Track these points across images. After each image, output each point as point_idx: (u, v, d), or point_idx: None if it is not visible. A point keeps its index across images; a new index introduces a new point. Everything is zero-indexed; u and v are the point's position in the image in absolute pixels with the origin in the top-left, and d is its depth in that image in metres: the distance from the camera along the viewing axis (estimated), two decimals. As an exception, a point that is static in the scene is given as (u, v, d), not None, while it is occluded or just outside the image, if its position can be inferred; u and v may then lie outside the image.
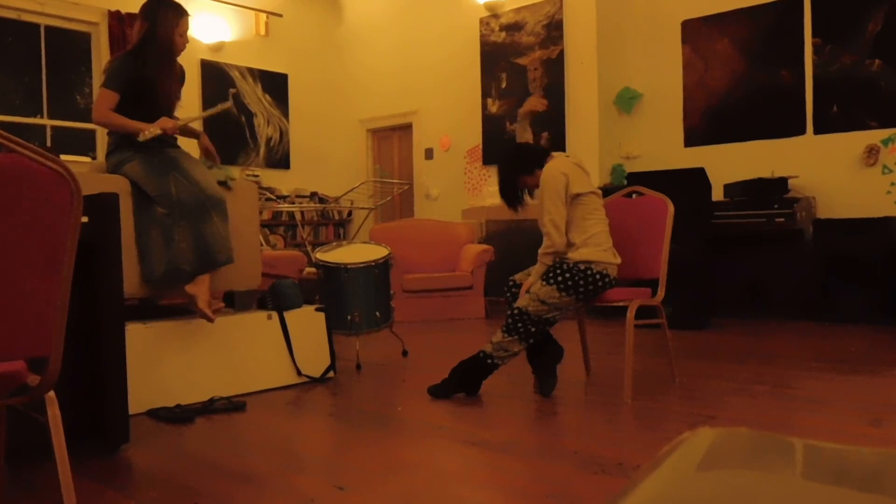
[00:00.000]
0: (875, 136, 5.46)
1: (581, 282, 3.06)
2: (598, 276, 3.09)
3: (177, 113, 3.48)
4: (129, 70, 3.18)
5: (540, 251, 3.14)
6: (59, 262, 1.54)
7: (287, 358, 3.52)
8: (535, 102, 7.12)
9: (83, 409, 2.51)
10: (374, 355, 4.34)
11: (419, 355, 4.31)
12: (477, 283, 6.21)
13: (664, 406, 2.94)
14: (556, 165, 3.18)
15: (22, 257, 1.49)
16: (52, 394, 1.60)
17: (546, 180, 3.14)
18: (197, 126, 3.67)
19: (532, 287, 3.10)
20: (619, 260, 3.17)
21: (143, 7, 3.29)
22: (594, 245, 3.10)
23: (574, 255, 3.09)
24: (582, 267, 3.07)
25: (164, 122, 3.16)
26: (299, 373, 3.55)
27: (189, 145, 3.49)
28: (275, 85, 8.40)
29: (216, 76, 7.82)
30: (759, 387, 3.20)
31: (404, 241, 6.54)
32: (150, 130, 3.13)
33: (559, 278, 3.05)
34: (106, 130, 3.35)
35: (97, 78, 6.93)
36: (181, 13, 3.30)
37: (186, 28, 3.33)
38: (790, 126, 5.82)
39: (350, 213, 8.84)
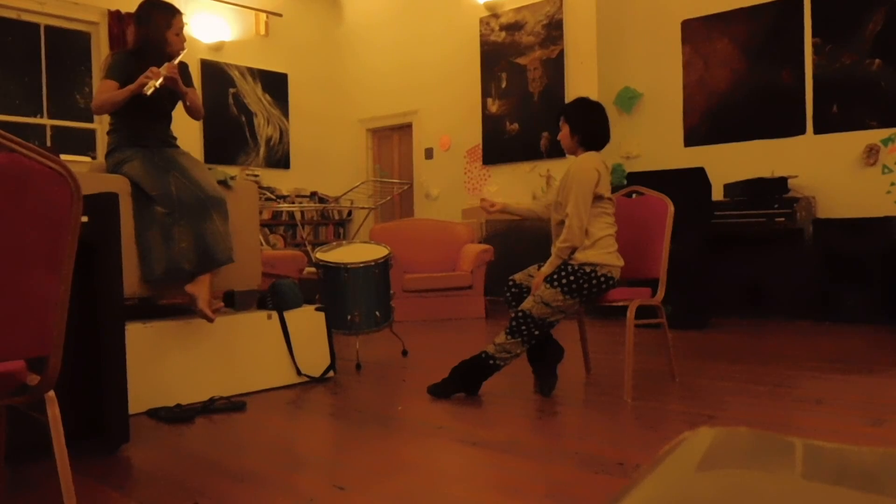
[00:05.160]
0: (875, 135, 5.45)
1: (585, 284, 3.06)
2: (602, 279, 3.09)
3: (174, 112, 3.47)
4: (129, 67, 3.18)
5: (558, 244, 3.11)
6: (59, 262, 1.54)
7: (287, 358, 3.52)
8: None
9: (83, 409, 2.51)
10: (374, 355, 4.34)
11: (419, 355, 4.31)
12: (477, 283, 6.21)
13: (664, 406, 2.94)
14: (591, 160, 3.15)
15: (22, 257, 1.48)
16: (52, 393, 1.60)
17: (579, 174, 3.11)
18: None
19: (536, 290, 3.09)
20: (622, 262, 3.16)
21: (136, 11, 3.30)
22: (600, 248, 3.10)
23: (580, 256, 3.09)
24: (587, 269, 3.07)
25: (167, 68, 3.10)
26: (299, 372, 3.55)
27: (188, 146, 3.47)
28: (275, 85, 8.40)
29: (216, 76, 7.82)
30: (759, 387, 3.20)
31: (404, 241, 6.54)
32: (153, 82, 3.03)
33: (563, 281, 3.05)
34: (106, 130, 3.35)
35: (97, 77, 6.93)
36: (173, 12, 3.30)
37: (181, 26, 3.32)
38: (790, 126, 5.82)
39: (350, 213, 8.84)
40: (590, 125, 3.22)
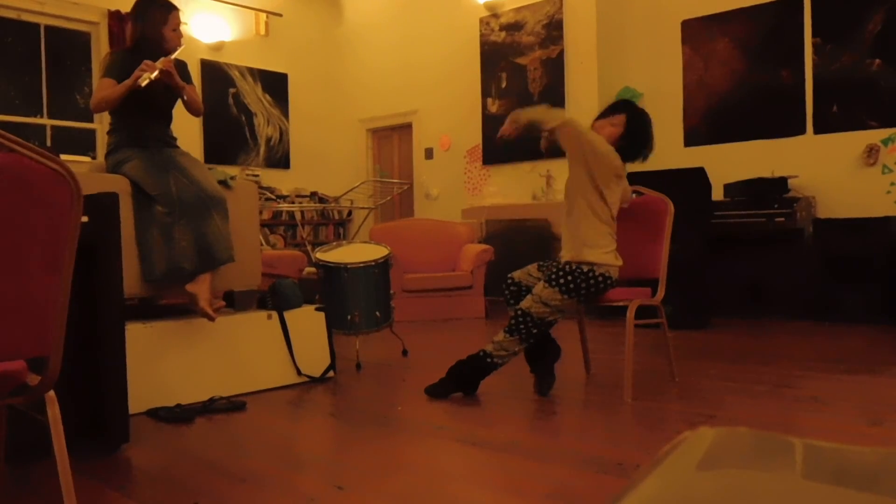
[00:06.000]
0: (875, 135, 5.45)
1: (583, 284, 3.06)
2: (599, 278, 3.09)
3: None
4: (127, 65, 3.17)
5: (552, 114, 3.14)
6: (59, 262, 1.54)
7: (287, 358, 3.52)
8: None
9: (83, 409, 2.51)
10: (374, 355, 4.34)
11: (419, 355, 4.31)
12: (477, 283, 6.21)
13: (664, 406, 2.94)
14: (618, 157, 3.20)
15: (22, 257, 1.48)
16: (52, 393, 1.60)
17: (608, 150, 3.15)
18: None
19: (535, 289, 3.10)
20: (621, 262, 3.16)
21: (132, 8, 3.29)
22: (599, 247, 3.10)
23: (577, 256, 3.09)
24: (584, 269, 3.07)
25: (163, 62, 3.09)
26: (299, 372, 3.55)
27: (188, 146, 3.46)
28: (275, 85, 8.40)
29: (216, 76, 7.82)
30: (759, 387, 3.20)
31: (404, 241, 6.54)
32: (147, 74, 3.01)
33: (561, 280, 3.05)
34: (106, 130, 3.34)
35: (97, 77, 6.93)
36: (169, 9, 3.29)
37: (177, 23, 3.30)
38: (790, 126, 5.82)
39: (350, 213, 8.84)
40: (643, 140, 3.26)
